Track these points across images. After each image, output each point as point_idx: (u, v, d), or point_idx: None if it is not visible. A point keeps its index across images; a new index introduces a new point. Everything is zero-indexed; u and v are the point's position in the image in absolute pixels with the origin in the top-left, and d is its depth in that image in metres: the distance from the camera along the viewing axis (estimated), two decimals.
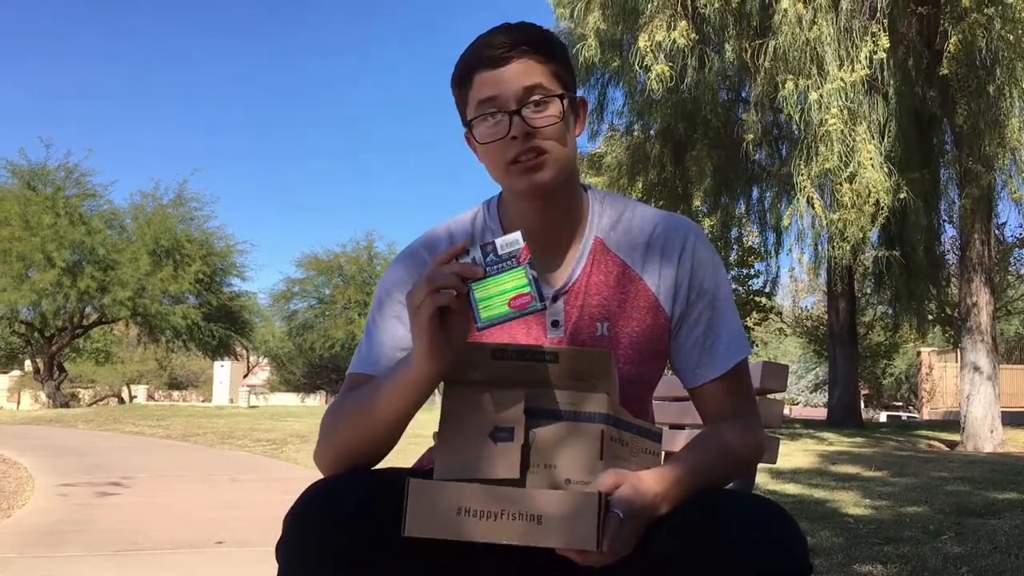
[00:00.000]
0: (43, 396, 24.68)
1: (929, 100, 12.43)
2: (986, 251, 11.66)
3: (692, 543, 0.98)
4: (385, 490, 1.03)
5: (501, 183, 1.25)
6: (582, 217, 1.28)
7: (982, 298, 11.41)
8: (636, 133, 15.30)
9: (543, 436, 1.02)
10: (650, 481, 1.02)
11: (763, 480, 6.26)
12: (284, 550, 1.04)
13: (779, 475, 6.74)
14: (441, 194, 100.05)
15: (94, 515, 4.88)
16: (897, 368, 28.60)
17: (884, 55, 9.88)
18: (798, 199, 10.69)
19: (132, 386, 34.84)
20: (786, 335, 28.75)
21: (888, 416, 24.57)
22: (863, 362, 23.04)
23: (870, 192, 9.95)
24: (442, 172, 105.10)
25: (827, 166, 10.01)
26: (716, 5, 10.74)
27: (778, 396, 2.66)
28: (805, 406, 33.56)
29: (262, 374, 48.36)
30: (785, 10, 10.06)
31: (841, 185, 10.11)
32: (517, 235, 1.02)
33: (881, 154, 10.15)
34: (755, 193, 16.03)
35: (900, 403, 27.41)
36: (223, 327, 26.85)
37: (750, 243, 18.73)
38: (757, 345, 23.72)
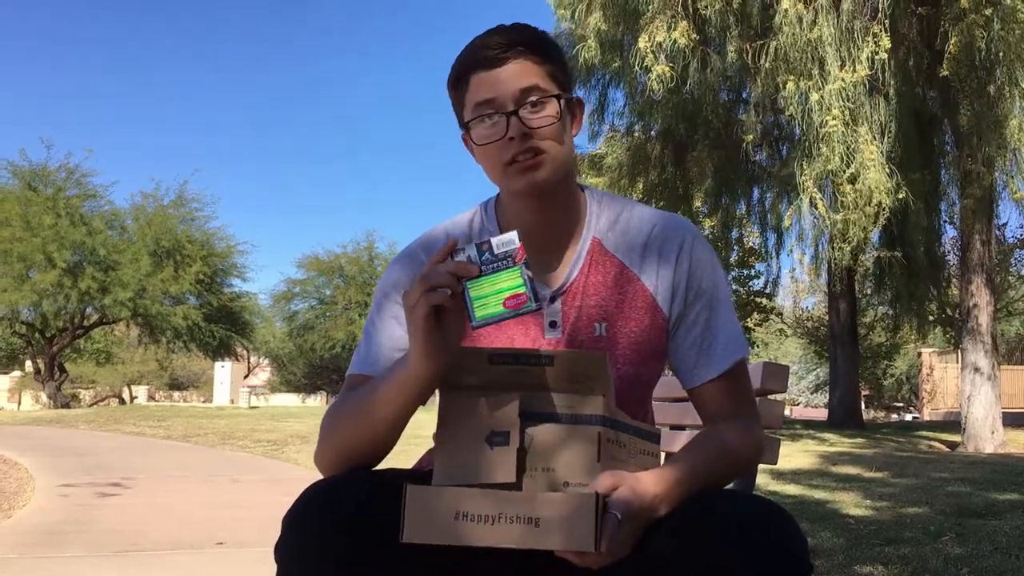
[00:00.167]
0: (44, 397, 24.69)
1: (929, 101, 12.42)
2: (987, 252, 11.66)
3: (692, 544, 0.98)
4: (385, 491, 1.02)
5: (499, 184, 1.25)
6: (580, 217, 1.28)
7: (983, 299, 11.41)
8: (637, 134, 15.30)
9: (540, 439, 1.02)
10: (649, 482, 1.02)
11: (764, 481, 6.25)
12: (283, 551, 1.04)
13: (780, 476, 6.74)
14: (441, 194, 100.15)
15: (94, 516, 4.88)
16: (898, 369, 28.59)
17: (886, 55, 9.87)
18: (801, 200, 10.68)
19: (133, 387, 34.86)
20: (787, 336, 28.72)
21: (894, 415, 24.58)
22: (864, 363, 23.04)
23: (872, 193, 9.94)
24: (442, 172, 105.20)
25: (829, 167, 10.00)
26: (717, 6, 10.74)
27: (779, 397, 2.67)
28: (806, 407, 33.53)
29: (263, 375, 48.35)
30: (786, 10, 10.05)
31: (843, 186, 10.10)
32: (513, 235, 1.02)
33: (883, 155, 10.15)
34: (756, 194, 16.04)
35: (900, 404, 27.39)
36: (224, 328, 26.85)
37: (751, 244, 18.71)
38: (758, 346, 23.68)
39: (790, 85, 10.12)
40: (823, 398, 28.34)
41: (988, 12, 9.62)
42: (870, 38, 9.96)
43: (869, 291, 17.36)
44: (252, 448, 9.94)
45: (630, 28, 12.04)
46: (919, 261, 13.86)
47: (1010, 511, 4.73)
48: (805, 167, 10.40)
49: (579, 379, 1.03)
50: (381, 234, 58.83)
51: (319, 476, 1.14)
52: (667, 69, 10.95)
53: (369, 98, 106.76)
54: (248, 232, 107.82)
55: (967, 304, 11.57)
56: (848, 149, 9.95)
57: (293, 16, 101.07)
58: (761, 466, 1.43)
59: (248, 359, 41.95)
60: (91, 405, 27.33)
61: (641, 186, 14.90)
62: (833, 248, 11.07)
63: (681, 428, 1.84)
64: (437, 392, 1.09)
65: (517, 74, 1.17)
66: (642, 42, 11.02)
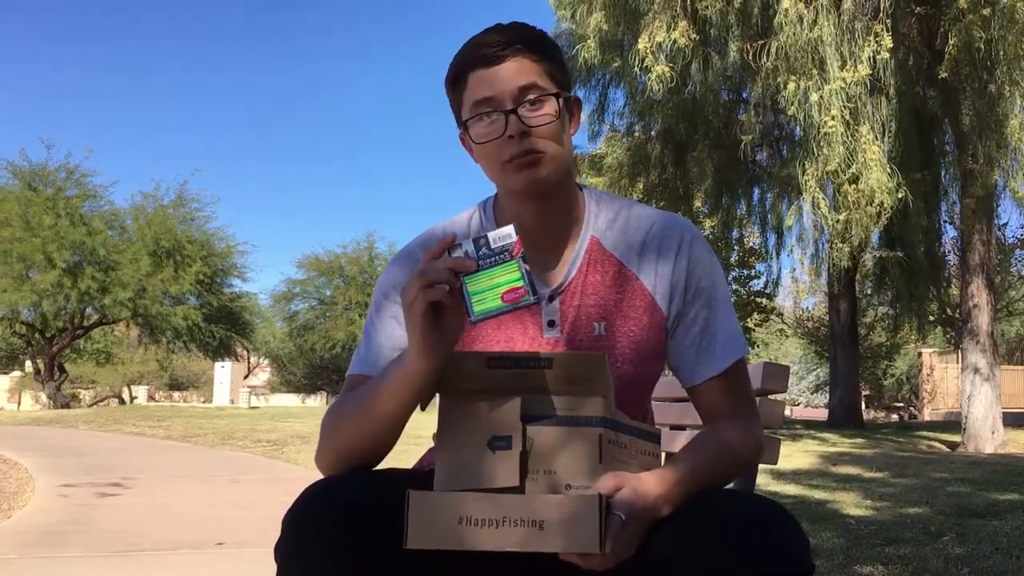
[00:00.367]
0: (44, 397, 24.70)
1: (930, 100, 12.43)
2: (987, 252, 11.66)
3: (693, 544, 0.98)
4: (385, 491, 1.02)
5: (497, 182, 1.25)
6: (578, 216, 1.27)
7: (983, 299, 11.41)
8: (637, 134, 15.30)
9: (541, 442, 1.01)
10: (651, 483, 1.02)
11: (764, 481, 6.25)
12: (283, 551, 1.03)
13: (780, 476, 6.74)
14: (441, 194, 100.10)
15: (94, 516, 4.88)
16: (898, 369, 28.56)
17: (887, 55, 9.86)
18: (803, 200, 10.68)
19: (133, 387, 34.83)
20: (787, 336, 28.71)
21: (894, 416, 24.56)
22: (864, 363, 23.02)
23: (875, 193, 9.94)
24: (442, 172, 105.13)
25: (831, 167, 10.00)
26: (717, 6, 10.74)
27: (779, 397, 2.67)
28: (806, 407, 33.49)
29: (263, 375, 48.31)
30: (787, 10, 10.05)
31: (846, 186, 10.10)
32: (510, 229, 1.01)
33: (884, 155, 10.15)
34: (756, 194, 16.06)
35: (900, 404, 27.36)
36: (224, 328, 26.86)
37: (751, 244, 18.72)
38: (758, 346, 23.67)
39: (791, 85, 10.11)
40: (823, 398, 28.33)
41: (987, 12, 9.62)
42: (871, 37, 9.96)
43: (869, 291, 17.36)
44: (252, 448, 9.94)
45: (630, 28, 12.04)
46: (919, 261, 13.86)
47: (1010, 511, 4.73)
48: (807, 167, 10.40)
49: (579, 381, 1.02)
50: (381, 234, 58.74)
51: (319, 476, 1.14)
52: (667, 69, 10.95)
53: (369, 98, 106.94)
54: (248, 232, 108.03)
55: (967, 304, 11.57)
56: (849, 149, 9.95)
57: (293, 16, 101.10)
58: (761, 466, 1.43)
59: (248, 359, 41.96)
60: (91, 405, 27.33)
61: (641, 186, 14.91)
62: (833, 248, 11.07)
63: (681, 428, 1.83)
64: (438, 396, 1.09)
65: (515, 72, 1.17)
66: (642, 42, 11.02)
